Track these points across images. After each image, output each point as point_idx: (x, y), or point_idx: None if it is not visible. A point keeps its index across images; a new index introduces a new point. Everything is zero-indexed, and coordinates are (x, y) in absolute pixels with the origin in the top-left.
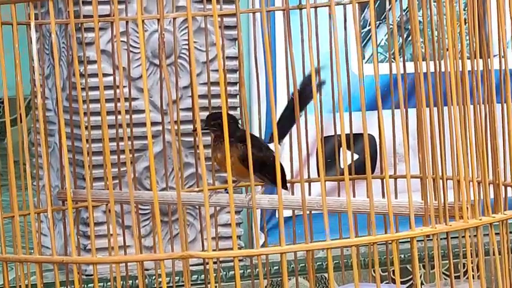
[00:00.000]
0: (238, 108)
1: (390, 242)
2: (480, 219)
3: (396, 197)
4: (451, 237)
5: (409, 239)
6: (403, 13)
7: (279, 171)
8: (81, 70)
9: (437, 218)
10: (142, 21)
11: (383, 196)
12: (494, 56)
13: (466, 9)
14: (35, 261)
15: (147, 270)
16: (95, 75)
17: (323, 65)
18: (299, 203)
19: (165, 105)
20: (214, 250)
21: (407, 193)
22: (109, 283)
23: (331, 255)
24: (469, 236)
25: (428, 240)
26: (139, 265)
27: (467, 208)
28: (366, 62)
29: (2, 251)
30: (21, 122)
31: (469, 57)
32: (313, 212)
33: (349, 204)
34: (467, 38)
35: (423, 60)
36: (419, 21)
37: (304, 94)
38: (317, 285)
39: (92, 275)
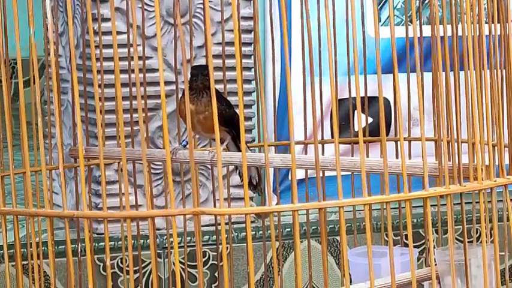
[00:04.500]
0: (252, 69)
1: (403, 202)
2: (495, 181)
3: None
4: (465, 203)
5: (422, 202)
6: None
7: (243, 130)
8: (95, 28)
9: (451, 179)
10: None
11: (397, 158)
12: None
13: None
14: (46, 215)
15: (158, 230)
16: (109, 33)
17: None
18: (312, 163)
19: (178, 64)
20: None
21: (421, 156)
22: (120, 242)
23: (344, 216)
24: (483, 202)
25: (441, 205)
26: (151, 221)
27: (481, 169)
28: (381, 25)
29: (13, 205)
30: (34, 83)
31: (487, 21)
32: (326, 174)
33: (362, 163)
34: (485, 1)
35: (440, 24)
36: None
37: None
38: (329, 248)
39: (102, 234)
